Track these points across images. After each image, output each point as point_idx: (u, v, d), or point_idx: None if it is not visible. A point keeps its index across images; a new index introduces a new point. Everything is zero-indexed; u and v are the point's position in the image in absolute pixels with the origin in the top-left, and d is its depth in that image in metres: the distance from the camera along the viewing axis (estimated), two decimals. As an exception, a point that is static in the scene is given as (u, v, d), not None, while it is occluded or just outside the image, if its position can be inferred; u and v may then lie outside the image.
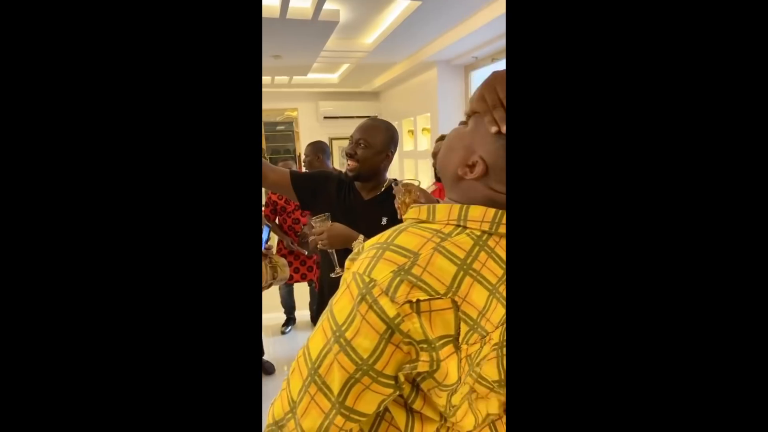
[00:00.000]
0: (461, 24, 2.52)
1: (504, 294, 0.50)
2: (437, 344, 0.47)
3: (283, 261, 1.88)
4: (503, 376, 0.54)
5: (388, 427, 0.54)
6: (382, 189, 1.26)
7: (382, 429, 0.54)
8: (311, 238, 1.23)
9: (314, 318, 2.83)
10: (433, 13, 2.23)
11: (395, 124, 4.23)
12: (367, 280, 0.48)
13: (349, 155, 1.21)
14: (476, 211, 0.52)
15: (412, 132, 3.95)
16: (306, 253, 2.49)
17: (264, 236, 2.29)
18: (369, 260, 0.50)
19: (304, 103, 4.73)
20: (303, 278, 2.54)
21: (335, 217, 1.20)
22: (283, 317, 2.87)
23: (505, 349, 0.52)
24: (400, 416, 0.53)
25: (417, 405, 0.52)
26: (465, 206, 0.53)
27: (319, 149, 2.25)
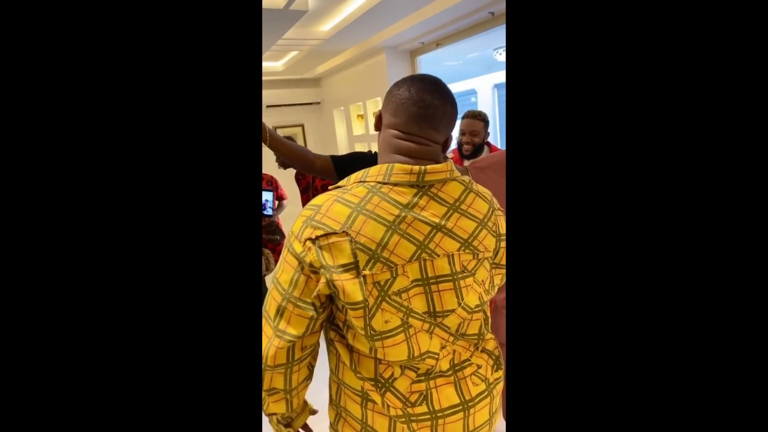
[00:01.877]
0: (413, 14, 2.77)
1: (411, 233, 0.62)
2: (337, 270, 0.59)
3: (269, 252, 1.98)
4: (434, 309, 0.64)
5: (343, 366, 0.68)
6: None
7: (340, 367, 0.69)
8: None
9: None
10: (394, 3, 2.45)
11: (340, 109, 4.38)
12: (289, 233, 0.66)
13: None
14: (375, 169, 0.66)
15: (361, 116, 4.15)
16: (277, 240, 2.62)
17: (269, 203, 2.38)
18: (295, 221, 0.67)
19: (244, 92, 4.65)
20: None
21: None
22: None
23: (434, 286, 0.63)
24: (344, 353, 0.67)
25: (350, 339, 0.65)
26: (366, 169, 0.67)
27: None
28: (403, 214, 0.62)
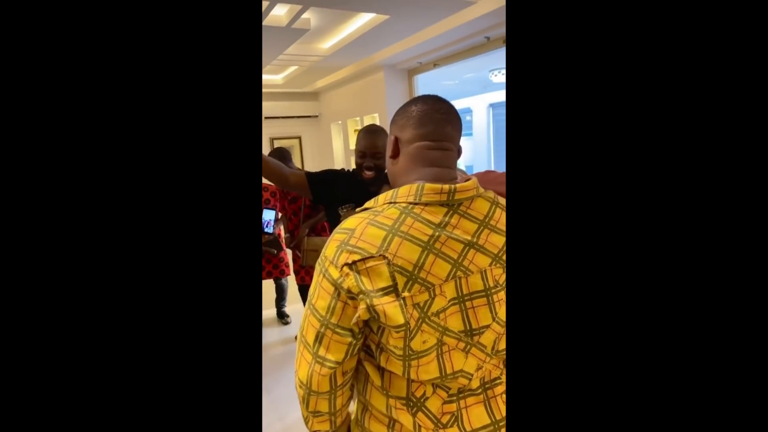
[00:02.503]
0: (411, 36, 2.87)
1: (445, 252, 0.61)
2: (376, 294, 0.58)
3: None
4: (470, 327, 0.63)
5: (372, 387, 0.67)
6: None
7: (368, 388, 0.68)
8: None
9: (280, 314, 3.01)
10: (393, 26, 2.54)
11: (338, 123, 4.43)
12: (323, 258, 0.64)
13: (369, 168, 1.41)
14: (404, 189, 0.65)
15: (358, 131, 4.22)
16: (274, 252, 2.65)
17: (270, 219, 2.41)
18: (326, 244, 0.65)
19: (244, 103, 4.71)
20: (269, 275, 2.75)
21: (348, 201, 1.42)
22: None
23: (468, 303, 0.63)
24: (374, 374, 0.66)
25: (383, 361, 0.64)
26: (396, 189, 0.66)
27: (281, 156, 2.40)
28: (437, 233, 0.62)
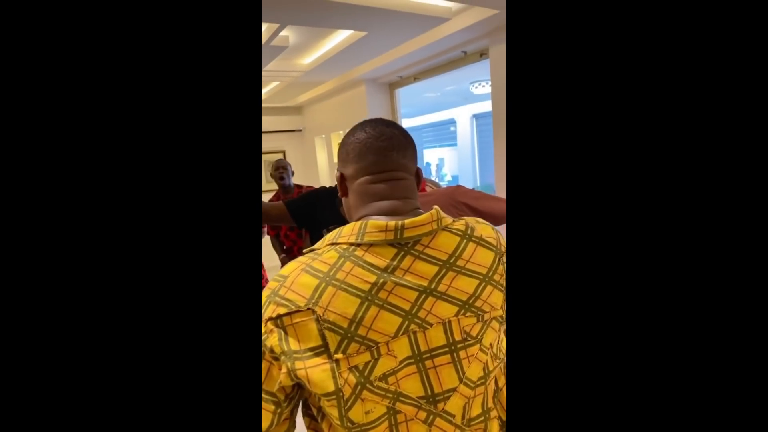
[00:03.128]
0: (391, 51, 2.92)
1: (393, 302, 0.51)
2: (303, 355, 0.49)
3: None
4: (432, 391, 0.52)
5: None
6: None
7: None
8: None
9: None
10: (371, 42, 2.58)
11: (321, 137, 4.46)
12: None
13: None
14: (347, 228, 0.56)
15: (342, 144, 4.25)
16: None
17: None
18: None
19: (227, 119, 4.72)
20: None
21: (336, 223, 1.40)
22: None
23: (429, 362, 0.52)
24: None
25: (325, 429, 0.54)
26: (341, 228, 0.57)
27: (283, 167, 2.44)
28: (381, 280, 0.51)
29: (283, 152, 4.90)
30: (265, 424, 0.53)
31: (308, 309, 0.50)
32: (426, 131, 8.19)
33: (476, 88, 4.53)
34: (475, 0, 1.98)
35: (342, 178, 0.63)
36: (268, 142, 4.83)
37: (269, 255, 3.02)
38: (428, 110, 7.32)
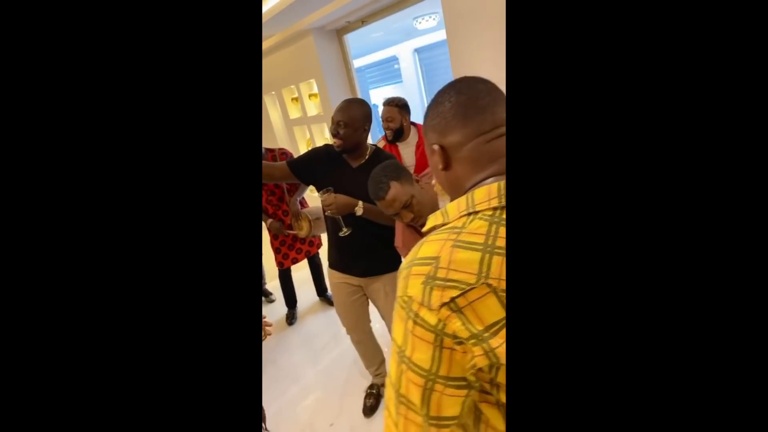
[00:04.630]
0: (338, -5, 2.81)
1: None
2: (487, 335, 0.46)
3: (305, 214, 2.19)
4: None
5: (486, 428, 0.53)
6: (367, 157, 1.51)
7: (482, 430, 0.53)
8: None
9: (320, 292, 3.01)
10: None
11: (271, 94, 4.30)
12: (406, 299, 0.50)
13: (334, 135, 1.46)
14: (480, 194, 0.52)
15: (296, 99, 4.13)
16: (297, 233, 2.52)
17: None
18: (403, 281, 0.51)
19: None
20: (294, 262, 2.71)
21: (332, 184, 1.46)
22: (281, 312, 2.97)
23: None
24: (494, 416, 0.52)
25: (501, 396, 0.50)
26: (469, 193, 0.53)
27: None
28: None
29: (233, 116, 4.68)
30: (456, 410, 0.49)
31: (482, 284, 0.47)
32: (370, 72, 8.00)
33: (420, 23, 4.47)
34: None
35: (442, 150, 0.59)
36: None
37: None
38: (371, 50, 7.12)
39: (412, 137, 2.25)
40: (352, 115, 1.44)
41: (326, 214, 1.48)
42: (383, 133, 2.31)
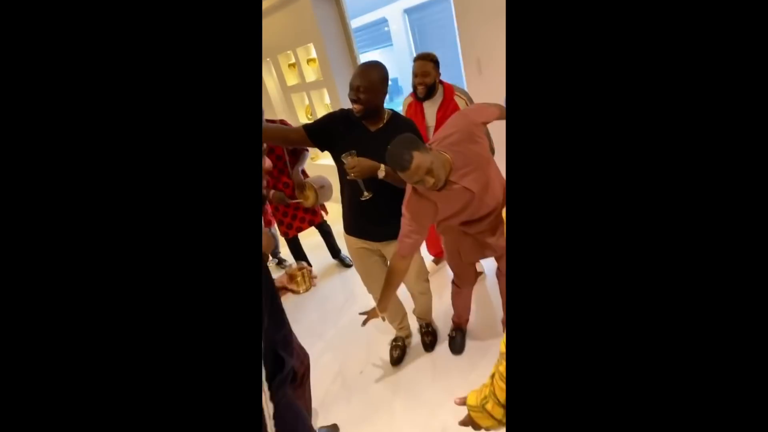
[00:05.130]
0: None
1: None
2: None
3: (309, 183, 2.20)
4: None
5: None
6: (385, 121, 1.54)
7: None
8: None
9: (335, 255, 3.04)
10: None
11: (267, 61, 4.20)
12: None
13: (354, 100, 1.47)
14: None
15: (293, 65, 4.05)
16: (303, 203, 2.53)
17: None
18: None
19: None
20: (299, 230, 2.74)
21: (350, 148, 1.47)
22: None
23: None
24: None
25: None
26: None
27: None
28: None
29: (227, 85, 4.58)
30: None
31: None
32: (358, 35, 7.79)
33: (414, -20, 4.35)
34: None
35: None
36: (207, 77, 4.46)
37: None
38: (358, 13, 6.90)
39: (438, 96, 2.15)
40: (372, 79, 1.45)
41: (348, 177, 1.49)
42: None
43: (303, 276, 1.22)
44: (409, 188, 1.44)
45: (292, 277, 1.21)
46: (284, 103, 4.43)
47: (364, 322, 1.59)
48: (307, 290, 1.23)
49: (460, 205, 1.42)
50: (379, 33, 7.51)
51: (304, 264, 1.24)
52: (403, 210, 1.44)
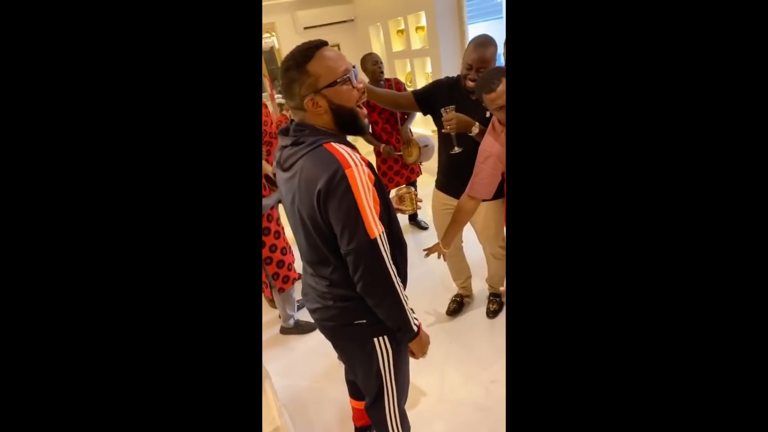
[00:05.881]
0: None
1: None
2: None
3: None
4: None
5: None
6: None
7: None
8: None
9: (412, 218, 3.21)
10: None
11: (377, 25, 4.37)
12: None
13: (468, 77, 1.58)
14: None
15: (402, 32, 4.18)
16: (407, 159, 2.71)
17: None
18: None
19: (281, 15, 4.67)
20: (396, 185, 2.93)
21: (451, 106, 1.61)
22: None
23: None
24: None
25: None
26: None
27: (374, 60, 2.61)
28: None
29: (338, 45, 4.88)
30: None
31: None
32: (470, 5, 7.58)
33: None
34: None
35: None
36: (321, 36, 4.79)
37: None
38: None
39: None
40: (487, 58, 1.56)
41: (444, 131, 1.63)
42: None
43: (411, 197, 1.37)
44: (486, 131, 1.55)
45: (401, 199, 1.37)
46: (387, 68, 4.61)
47: (428, 254, 1.70)
48: (413, 211, 1.38)
49: None
50: (491, 3, 7.24)
51: (412, 188, 1.41)
52: (479, 150, 1.54)
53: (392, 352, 1.04)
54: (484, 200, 1.63)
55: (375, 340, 1.02)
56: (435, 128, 1.59)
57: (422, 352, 1.06)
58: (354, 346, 1.06)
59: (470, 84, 1.61)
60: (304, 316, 2.28)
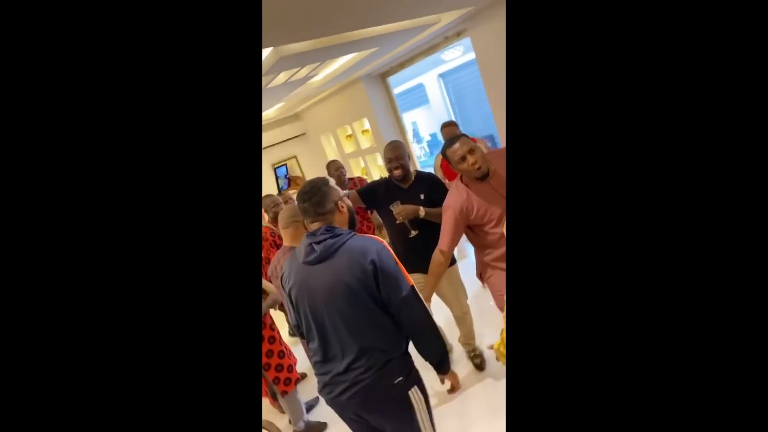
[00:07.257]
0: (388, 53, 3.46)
1: None
2: None
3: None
4: None
5: None
6: (412, 179, 2.08)
7: None
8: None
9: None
10: (378, 54, 3.12)
11: (327, 134, 4.98)
12: None
13: (396, 168, 2.01)
14: None
15: (350, 136, 4.81)
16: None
17: None
18: None
19: (238, 142, 5.21)
20: None
21: (392, 202, 1.96)
22: None
23: None
24: None
25: None
26: None
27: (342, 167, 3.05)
28: None
29: (295, 157, 5.43)
30: None
31: None
32: (400, 99, 8.66)
33: (447, 55, 5.10)
34: (461, 2, 2.54)
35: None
36: (279, 153, 5.35)
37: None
38: (400, 82, 7.79)
39: None
40: (402, 152, 2.04)
41: (397, 222, 1.95)
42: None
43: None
44: (450, 186, 1.75)
45: (380, 227, 1.57)
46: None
47: None
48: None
49: (497, 208, 1.60)
50: (418, 95, 8.34)
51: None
52: (444, 205, 1.70)
53: (424, 399, 1.24)
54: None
55: (409, 393, 1.22)
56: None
57: (457, 380, 1.31)
58: (392, 406, 1.20)
59: (396, 172, 2.03)
60: (314, 416, 2.31)
